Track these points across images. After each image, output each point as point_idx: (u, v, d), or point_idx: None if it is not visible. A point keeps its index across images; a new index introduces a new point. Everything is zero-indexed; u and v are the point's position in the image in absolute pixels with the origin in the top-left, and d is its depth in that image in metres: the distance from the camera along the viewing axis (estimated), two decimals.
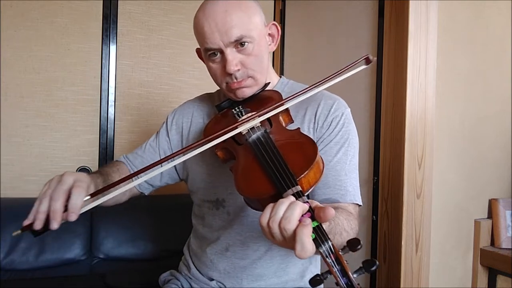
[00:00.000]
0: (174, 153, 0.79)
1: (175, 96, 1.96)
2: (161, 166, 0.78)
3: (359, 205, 0.92)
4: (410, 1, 1.41)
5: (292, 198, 0.63)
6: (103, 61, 1.84)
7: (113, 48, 1.85)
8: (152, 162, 1.02)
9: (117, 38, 1.86)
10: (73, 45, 1.80)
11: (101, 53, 1.84)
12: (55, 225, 0.68)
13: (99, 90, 1.84)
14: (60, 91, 1.79)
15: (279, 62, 2.15)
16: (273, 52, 2.19)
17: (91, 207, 0.71)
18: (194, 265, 1.05)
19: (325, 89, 0.89)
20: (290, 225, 0.59)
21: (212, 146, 0.79)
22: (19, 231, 0.70)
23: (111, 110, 1.85)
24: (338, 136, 0.92)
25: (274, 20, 2.17)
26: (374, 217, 1.56)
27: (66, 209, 0.69)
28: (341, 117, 0.93)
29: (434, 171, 1.48)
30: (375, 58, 0.90)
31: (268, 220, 0.61)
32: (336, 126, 0.93)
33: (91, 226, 1.59)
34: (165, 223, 1.65)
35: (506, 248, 1.61)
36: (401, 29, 1.45)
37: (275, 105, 0.85)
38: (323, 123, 0.93)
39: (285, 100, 0.86)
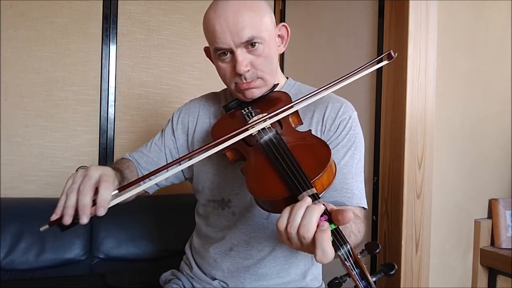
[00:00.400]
0: (185, 155, 0.77)
1: (175, 96, 1.96)
2: (167, 171, 0.77)
3: (365, 208, 0.92)
4: (410, 1, 1.41)
5: (309, 201, 0.62)
6: (103, 61, 1.84)
7: (113, 48, 1.85)
8: (158, 161, 1.04)
9: (117, 38, 1.86)
10: (73, 45, 1.80)
11: (101, 53, 1.84)
12: (85, 219, 0.67)
13: (99, 90, 1.84)
14: (60, 91, 1.79)
15: (279, 62, 2.15)
16: None
17: (117, 201, 0.70)
18: (197, 264, 1.05)
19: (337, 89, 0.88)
20: (309, 233, 0.58)
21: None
22: (46, 226, 0.69)
23: (111, 110, 1.85)
24: (345, 139, 0.92)
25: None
26: (374, 217, 1.56)
27: (93, 203, 0.68)
28: (348, 120, 0.93)
29: (434, 171, 1.48)
30: (397, 54, 0.89)
31: (286, 226, 0.61)
32: (344, 129, 0.92)
33: (91, 226, 1.59)
34: (166, 223, 1.65)
35: (506, 248, 1.61)
36: (401, 29, 1.45)
37: (288, 106, 0.83)
38: (331, 126, 0.93)
39: (298, 101, 0.85)
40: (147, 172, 1.02)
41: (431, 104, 1.46)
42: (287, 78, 1.06)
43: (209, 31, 0.89)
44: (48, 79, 1.77)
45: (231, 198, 0.97)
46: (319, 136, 0.92)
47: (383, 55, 0.89)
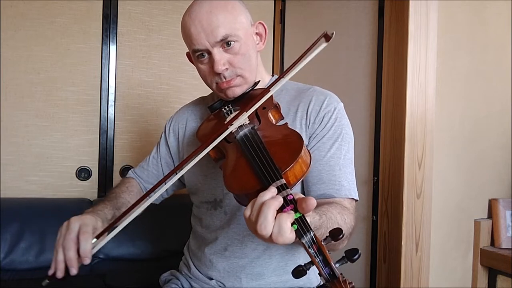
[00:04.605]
0: (172, 171, 0.80)
1: (175, 96, 1.96)
2: (165, 184, 0.80)
3: (356, 200, 0.92)
4: (410, 1, 1.41)
5: (273, 190, 0.62)
6: (103, 61, 1.84)
7: (113, 48, 1.85)
8: (157, 173, 1.11)
9: (117, 38, 1.86)
10: (73, 45, 1.80)
11: (101, 53, 1.84)
12: (74, 271, 0.76)
13: (99, 90, 1.84)
14: (60, 91, 1.79)
15: (279, 62, 2.15)
16: (273, 52, 2.21)
17: (101, 246, 0.78)
18: (194, 265, 1.05)
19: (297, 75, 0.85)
20: (266, 231, 0.59)
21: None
22: (47, 281, 0.78)
23: (111, 110, 1.85)
24: (331, 131, 0.92)
25: (274, 20, 2.17)
26: (374, 217, 1.56)
27: (79, 254, 0.76)
28: (333, 112, 0.93)
29: (434, 171, 1.48)
30: (334, 32, 0.84)
31: (249, 215, 0.62)
32: (329, 121, 0.92)
33: None
34: (165, 223, 1.65)
35: (506, 248, 1.60)
36: (401, 29, 1.45)
37: (258, 97, 0.84)
38: (315, 118, 0.93)
39: (266, 90, 0.85)
40: (150, 186, 1.11)
41: (431, 104, 1.46)
42: (273, 75, 1.07)
43: (186, 35, 0.92)
44: (48, 79, 1.77)
45: (222, 198, 0.98)
46: (304, 130, 0.93)
47: (319, 37, 0.84)
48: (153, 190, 0.82)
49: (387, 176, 1.51)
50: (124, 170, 1.86)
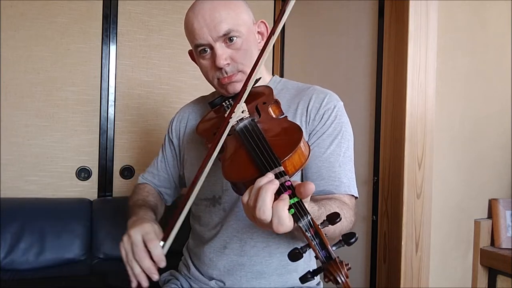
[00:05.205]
0: (193, 183, 0.79)
1: (175, 96, 1.96)
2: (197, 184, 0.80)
3: (356, 197, 0.92)
4: (410, 1, 1.41)
5: (271, 176, 0.63)
6: (103, 61, 1.84)
7: (113, 48, 1.85)
8: (168, 176, 1.15)
9: (117, 38, 1.86)
10: (73, 45, 1.80)
11: (101, 53, 1.84)
12: (155, 277, 0.78)
13: (99, 90, 1.84)
14: (60, 91, 1.79)
15: (279, 62, 2.15)
16: (273, 52, 2.20)
17: (169, 245, 0.79)
18: (194, 265, 1.05)
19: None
20: (265, 216, 0.60)
21: (205, 141, 0.83)
22: None
23: (111, 110, 1.85)
24: (330, 128, 0.93)
25: (274, 20, 2.17)
26: (374, 217, 1.56)
27: (152, 259, 0.79)
28: (333, 110, 0.94)
29: (434, 171, 1.48)
30: None
31: (247, 200, 0.63)
32: (328, 119, 0.93)
33: (91, 226, 1.59)
34: (165, 223, 1.65)
35: (506, 248, 1.60)
36: (401, 29, 1.45)
37: (248, 80, 0.84)
38: (315, 115, 0.94)
39: (254, 70, 0.84)
40: (165, 189, 1.15)
41: (431, 104, 1.46)
42: (273, 75, 1.08)
43: (189, 30, 0.93)
44: (48, 79, 1.77)
45: (221, 194, 0.98)
46: (303, 127, 0.94)
47: None
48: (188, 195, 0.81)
49: (387, 176, 1.51)
50: (124, 170, 1.86)
